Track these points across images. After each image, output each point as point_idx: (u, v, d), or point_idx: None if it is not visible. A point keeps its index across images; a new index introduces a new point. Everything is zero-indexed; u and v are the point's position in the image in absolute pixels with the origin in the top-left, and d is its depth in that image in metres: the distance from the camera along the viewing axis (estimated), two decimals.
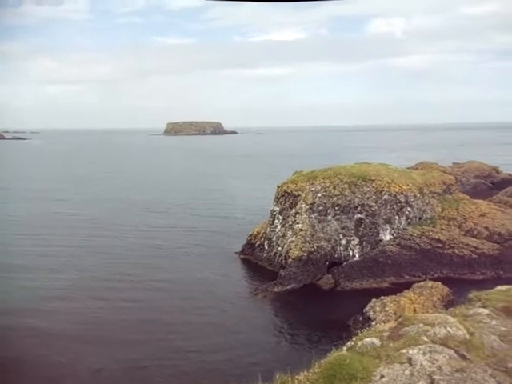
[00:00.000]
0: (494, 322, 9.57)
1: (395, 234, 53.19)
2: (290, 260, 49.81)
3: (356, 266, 50.37)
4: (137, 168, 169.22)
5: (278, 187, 57.94)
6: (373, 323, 32.64)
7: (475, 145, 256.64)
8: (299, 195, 54.03)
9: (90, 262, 55.06)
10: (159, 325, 38.73)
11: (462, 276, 49.69)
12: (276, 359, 31.76)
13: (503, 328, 9.36)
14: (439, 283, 42.06)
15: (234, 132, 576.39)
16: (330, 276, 49.38)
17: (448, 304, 35.31)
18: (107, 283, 48.34)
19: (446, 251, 52.20)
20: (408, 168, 75.03)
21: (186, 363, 32.83)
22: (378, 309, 38.21)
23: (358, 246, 51.72)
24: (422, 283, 41.99)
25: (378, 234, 52.59)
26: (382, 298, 39.21)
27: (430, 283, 41.95)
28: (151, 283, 48.45)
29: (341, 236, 51.69)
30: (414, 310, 35.68)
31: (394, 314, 34.81)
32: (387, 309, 37.79)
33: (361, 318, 38.00)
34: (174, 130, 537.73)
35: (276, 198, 57.62)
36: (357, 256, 51.41)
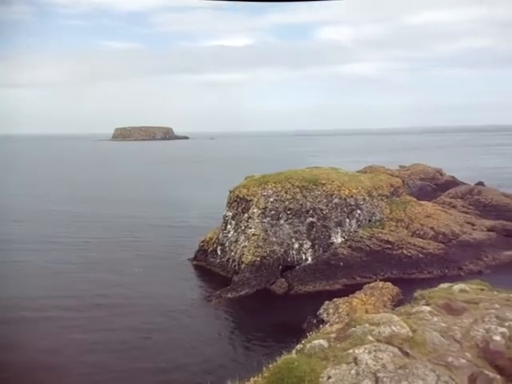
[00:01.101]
0: (435, 319, 9.94)
1: (346, 237, 54.03)
2: (243, 265, 49.49)
3: (309, 269, 50.73)
4: (80, 176, 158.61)
5: (230, 192, 57.57)
6: (326, 325, 32.89)
7: (419, 148, 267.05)
8: (251, 200, 53.85)
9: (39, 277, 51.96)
10: (108, 340, 37.07)
11: (410, 275, 51.15)
12: (229, 366, 31.41)
13: (443, 324, 9.73)
14: (389, 283, 42.97)
15: (185, 137, 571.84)
16: (283, 280, 49.43)
17: (398, 303, 36.03)
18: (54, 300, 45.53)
19: (394, 252, 53.55)
20: (357, 171, 76.64)
21: (135, 377, 31.63)
22: (331, 311, 38.53)
23: (310, 250, 52.11)
24: (372, 284, 42.77)
25: (329, 236, 53.24)
26: (335, 299, 39.61)
27: (380, 284, 42.78)
28: (97, 298, 45.90)
29: (293, 240, 51.91)
30: (366, 311, 36.15)
31: (347, 315, 35.17)
32: (340, 310, 38.15)
33: (315, 321, 38.14)
34: (122, 135, 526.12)
35: (228, 203, 57.24)
36: (309, 259, 51.78)
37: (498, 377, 7.80)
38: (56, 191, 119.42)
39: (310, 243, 52.31)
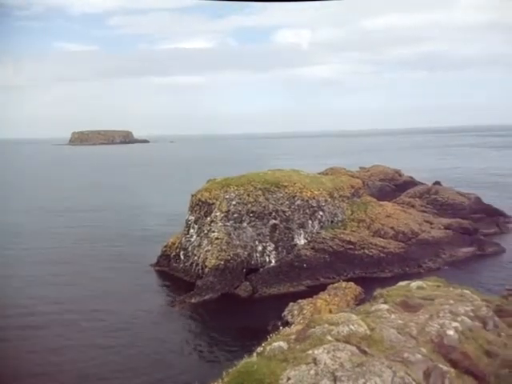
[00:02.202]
0: (392, 316, 10.09)
1: (309, 238, 54.44)
2: (206, 269, 49.11)
3: (273, 271, 50.81)
4: (32, 183, 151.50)
5: (193, 196, 57.06)
6: (291, 327, 33.01)
7: (379, 150, 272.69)
8: (214, 203, 53.54)
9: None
10: (67, 351, 35.98)
11: (372, 275, 52.01)
12: (192, 373, 31.02)
13: (400, 321, 9.90)
14: (352, 283, 43.56)
15: (145, 141, 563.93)
16: (247, 283, 49.32)
17: (360, 302, 36.54)
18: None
19: (356, 252, 54.33)
20: (318, 173, 77.42)
21: None
22: (295, 312, 38.67)
23: (273, 252, 52.22)
24: (336, 284, 43.24)
25: (292, 238, 53.51)
26: (299, 301, 39.81)
27: (343, 284, 43.32)
28: (57, 305, 44.71)
29: (257, 242, 51.90)
30: (330, 311, 36.47)
31: (312, 316, 35.34)
32: (304, 312, 38.34)
33: (279, 323, 38.15)
34: (79, 139, 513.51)
35: (191, 206, 56.71)
36: (273, 262, 51.88)
37: (452, 370, 7.98)
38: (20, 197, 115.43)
39: (274, 245, 52.43)
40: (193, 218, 55.38)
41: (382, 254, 54.78)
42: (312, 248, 53.75)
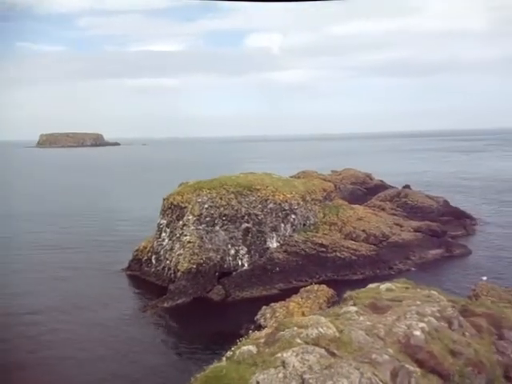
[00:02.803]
0: (361, 318, 10.23)
1: (282, 241, 54.64)
2: (179, 273, 48.70)
3: (245, 275, 50.77)
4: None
5: (164, 199, 56.56)
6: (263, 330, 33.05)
7: (351, 154, 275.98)
8: (186, 207, 53.19)
9: None
10: (32, 363, 34.93)
11: (344, 277, 52.47)
12: (164, 379, 30.65)
13: (369, 323, 10.03)
14: (324, 286, 43.85)
15: (116, 143, 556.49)
16: (220, 287, 49.13)
17: (333, 305, 36.88)
18: None
19: (329, 255, 54.77)
20: (291, 177, 77.86)
21: None
22: (268, 316, 38.69)
23: (246, 255, 52.19)
24: (308, 287, 43.46)
25: (265, 242, 53.61)
26: (272, 304, 39.85)
27: (315, 287, 43.56)
28: (23, 316, 43.26)
29: (229, 246, 51.79)
30: (303, 314, 36.66)
31: (284, 319, 35.42)
32: (277, 315, 38.41)
33: (252, 327, 38.08)
34: (48, 141, 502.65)
35: (162, 210, 56.18)
36: (246, 265, 51.85)
37: (418, 370, 8.14)
38: None
39: (246, 249, 52.42)
40: (165, 221, 54.90)
41: (353, 257, 55.39)
42: (284, 251, 53.96)
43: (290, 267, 52.35)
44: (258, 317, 38.85)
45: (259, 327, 36.84)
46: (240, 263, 51.90)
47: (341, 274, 53.17)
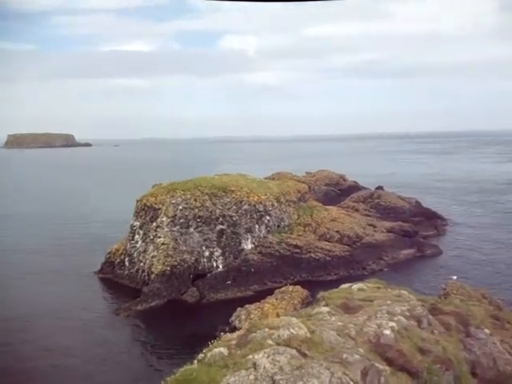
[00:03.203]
0: (333, 319, 10.33)
1: (256, 243, 54.66)
2: (152, 275, 48.21)
3: (220, 276, 50.60)
4: None
5: (138, 201, 55.92)
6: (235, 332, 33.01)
7: (324, 155, 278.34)
8: (160, 208, 52.72)
9: None
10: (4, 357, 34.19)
11: (318, 278, 52.80)
12: (137, 383, 30.22)
13: (340, 323, 10.13)
14: (299, 287, 44.03)
15: (88, 144, 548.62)
16: (194, 289, 48.86)
17: (307, 305, 37.05)
18: None
19: (303, 256, 55.05)
20: (265, 178, 78.00)
21: None
22: (243, 317, 38.64)
23: (221, 257, 52.03)
24: (283, 288, 43.58)
25: (239, 243, 53.54)
26: (247, 306, 39.82)
27: (290, 288, 43.70)
28: None
29: (204, 248, 51.54)
30: (278, 315, 36.69)
31: (259, 320, 35.42)
32: (252, 316, 38.39)
33: (227, 328, 37.98)
34: (16, 142, 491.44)
35: (136, 212, 55.51)
36: (220, 267, 51.68)
37: (387, 368, 8.26)
38: None
39: (221, 250, 52.25)
40: (138, 223, 54.27)
41: (327, 258, 55.79)
42: (259, 252, 53.98)
43: (264, 268, 52.39)
44: (232, 318, 38.76)
45: (234, 329, 36.74)
46: (214, 265, 51.70)
47: (315, 275, 53.47)
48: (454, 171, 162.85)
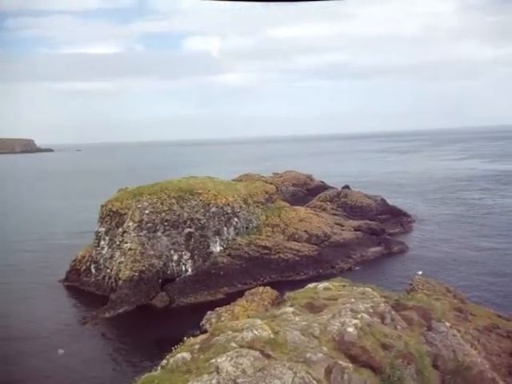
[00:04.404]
0: (297, 319, 10.35)
1: (225, 245, 54.47)
2: (120, 282, 47.41)
3: (189, 280, 50.20)
4: None
5: (102, 206, 54.86)
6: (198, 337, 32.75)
7: (291, 156, 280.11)
8: (126, 213, 51.89)
9: None
10: None
11: (288, 278, 53.04)
12: None
13: (304, 323, 10.17)
14: (268, 288, 44.06)
15: (49, 149, 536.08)
16: (164, 294, 48.34)
17: (277, 306, 37.12)
18: None
19: (272, 257, 55.19)
20: (233, 180, 77.90)
21: None
22: (213, 320, 38.42)
23: (189, 261, 51.62)
24: (253, 290, 43.53)
25: (208, 246, 53.23)
26: (217, 309, 39.63)
27: (260, 289, 43.70)
28: None
29: (172, 252, 51.02)
30: (248, 317, 36.61)
31: (223, 323, 35.29)
32: (223, 319, 38.20)
33: (198, 332, 37.65)
34: None
35: (101, 217, 54.45)
36: (189, 270, 51.28)
37: (350, 365, 8.34)
38: None
39: (190, 254, 51.83)
40: (103, 229, 53.22)
41: (296, 258, 56.10)
42: (228, 255, 53.82)
43: (234, 271, 52.27)
44: (203, 322, 38.49)
45: (205, 333, 36.52)
46: (183, 269, 51.25)
47: (285, 275, 53.70)
48: (418, 169, 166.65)
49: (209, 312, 39.52)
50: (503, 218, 78.10)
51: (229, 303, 40.77)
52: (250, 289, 44.73)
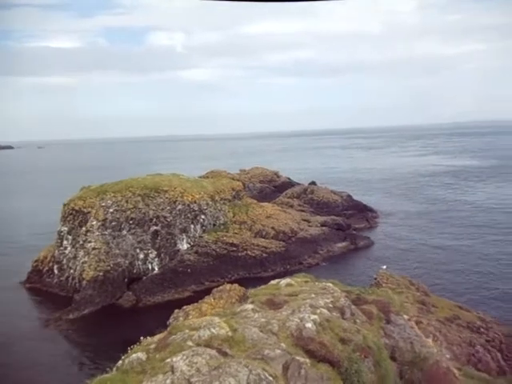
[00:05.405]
0: (256, 316, 10.31)
1: (192, 243, 54.11)
2: (84, 282, 46.46)
3: (156, 279, 49.66)
4: None
5: (65, 205, 53.54)
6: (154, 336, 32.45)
7: (258, 152, 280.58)
8: (89, 212, 50.81)
9: None
10: None
11: (256, 275, 53.15)
12: None
13: (263, 319, 10.14)
14: (236, 285, 43.94)
15: (8, 147, 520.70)
16: (130, 293, 47.68)
17: (239, 304, 37.05)
18: None
19: (240, 254, 55.17)
20: (199, 177, 77.34)
21: None
22: (181, 319, 38.01)
23: (156, 259, 51.04)
24: (221, 287, 43.32)
25: (175, 244, 52.76)
26: (185, 307, 39.25)
27: (228, 286, 43.54)
28: None
29: (138, 250, 50.33)
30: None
31: (177, 322, 35.06)
32: (190, 317, 37.87)
33: (165, 331, 37.33)
34: None
35: (63, 216, 53.12)
36: (156, 269, 50.71)
37: (308, 360, 8.39)
38: None
39: (156, 252, 51.25)
40: (66, 228, 51.95)
41: (264, 254, 56.26)
42: (195, 252, 53.50)
43: (201, 268, 52.01)
44: (170, 321, 38.04)
45: None
46: (150, 267, 50.64)
47: (253, 272, 53.80)
48: (382, 165, 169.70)
49: (176, 310, 39.09)
50: (463, 213, 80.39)
51: (196, 301, 40.43)
52: (217, 286, 44.52)
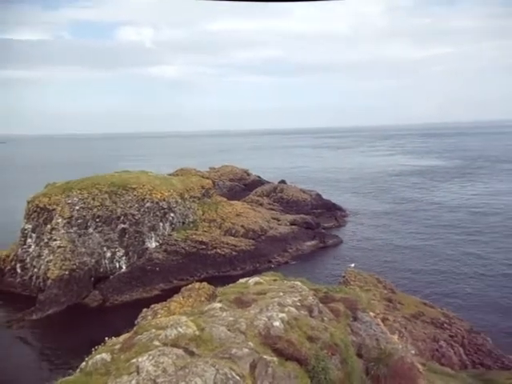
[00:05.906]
0: (224, 314, 10.27)
1: (161, 241, 53.57)
2: (49, 281, 45.38)
3: (124, 277, 48.98)
4: None
5: (29, 202, 52.15)
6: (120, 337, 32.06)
7: (228, 150, 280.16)
8: (54, 209, 49.61)
9: None
10: None
11: (225, 273, 53.07)
12: None
13: (231, 318, 10.10)
14: (205, 283, 43.75)
15: None
16: (97, 292, 46.86)
17: (207, 302, 36.88)
18: None
19: (209, 252, 54.96)
20: (169, 175, 76.62)
21: None
22: (149, 318, 37.55)
23: (124, 257, 50.31)
24: (190, 286, 43.04)
25: (143, 242, 52.13)
26: (153, 306, 38.80)
27: (197, 285, 43.30)
28: None
29: (105, 249, 49.48)
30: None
31: (143, 322, 34.71)
32: (159, 316, 37.41)
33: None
34: None
35: (27, 214, 51.71)
36: (124, 267, 49.99)
37: (275, 359, 8.43)
38: None
39: (124, 251, 50.51)
40: (30, 226, 50.59)
41: (233, 253, 56.21)
42: (164, 251, 52.98)
43: (170, 267, 51.56)
44: (138, 320, 37.52)
45: None
46: (117, 266, 49.88)
47: (222, 271, 53.70)
48: (350, 164, 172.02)
49: (144, 309, 38.63)
50: (430, 213, 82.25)
51: (165, 300, 40.04)
52: (186, 285, 44.20)
